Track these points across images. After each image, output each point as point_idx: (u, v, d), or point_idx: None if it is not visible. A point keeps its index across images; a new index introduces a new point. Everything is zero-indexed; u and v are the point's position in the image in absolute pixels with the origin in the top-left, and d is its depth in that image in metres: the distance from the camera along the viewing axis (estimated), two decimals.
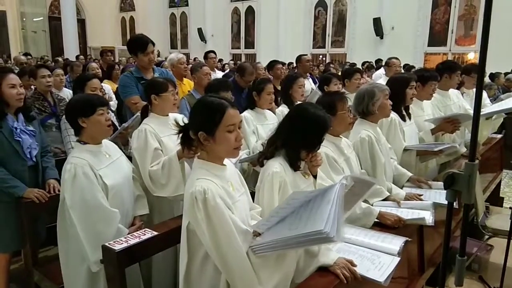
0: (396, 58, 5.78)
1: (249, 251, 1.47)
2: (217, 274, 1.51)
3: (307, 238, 1.32)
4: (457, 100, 3.76)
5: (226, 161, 1.66)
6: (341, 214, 1.31)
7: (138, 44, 3.21)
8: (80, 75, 4.15)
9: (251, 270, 1.45)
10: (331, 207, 1.30)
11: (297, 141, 1.79)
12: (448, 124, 3.10)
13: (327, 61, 13.54)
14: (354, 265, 1.65)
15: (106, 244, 1.79)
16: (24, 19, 17.04)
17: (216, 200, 1.44)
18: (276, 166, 1.77)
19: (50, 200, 2.46)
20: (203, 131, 1.52)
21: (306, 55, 5.50)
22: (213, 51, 6.35)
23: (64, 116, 3.05)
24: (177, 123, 1.68)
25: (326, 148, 2.18)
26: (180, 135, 1.65)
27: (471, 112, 3.41)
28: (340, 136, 2.31)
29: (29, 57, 9.78)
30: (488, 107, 3.78)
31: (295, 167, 1.81)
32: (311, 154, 1.83)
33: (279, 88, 4.01)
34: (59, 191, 2.51)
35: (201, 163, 1.58)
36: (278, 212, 1.46)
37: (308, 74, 5.54)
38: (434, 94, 3.48)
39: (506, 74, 7.74)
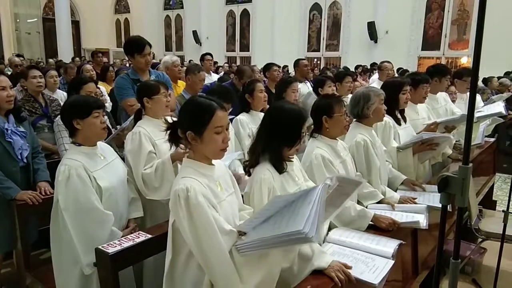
0: (389, 62, 5.80)
1: (233, 249, 1.48)
2: (201, 272, 1.52)
3: (287, 238, 1.33)
4: (445, 103, 3.80)
5: (216, 161, 1.66)
6: (322, 214, 1.31)
7: (135, 45, 3.20)
8: (76, 77, 4.12)
9: (232, 268, 1.46)
10: (311, 208, 1.31)
11: (278, 139, 1.78)
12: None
13: (321, 65, 13.60)
14: (349, 267, 1.65)
15: (99, 247, 1.77)
16: (18, 20, 16.94)
17: (198, 199, 1.45)
18: (265, 172, 1.77)
19: (42, 202, 2.44)
20: (191, 130, 1.54)
21: (304, 59, 5.50)
22: (209, 54, 6.36)
23: (57, 118, 3.05)
24: (166, 120, 1.70)
25: (322, 150, 2.19)
26: (168, 132, 1.66)
27: (459, 114, 3.47)
28: (337, 138, 2.32)
29: (21, 58, 9.72)
30: (479, 109, 3.80)
31: (280, 169, 1.80)
32: (293, 148, 1.82)
33: (273, 90, 4.01)
34: (50, 193, 2.51)
35: (189, 162, 1.60)
36: (262, 213, 1.48)
37: (305, 78, 5.55)
38: None
39: (499, 78, 7.81)
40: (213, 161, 1.65)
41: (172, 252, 1.56)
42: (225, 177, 1.71)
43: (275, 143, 1.79)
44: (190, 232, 1.45)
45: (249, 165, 1.86)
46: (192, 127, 1.54)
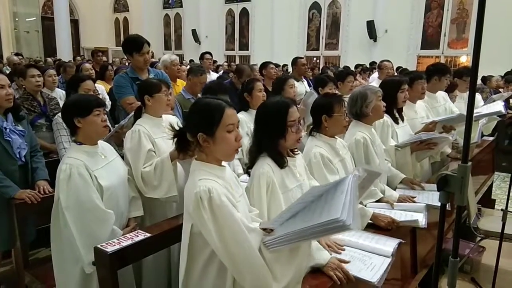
0: (388, 61, 5.80)
1: (262, 246, 1.44)
2: (219, 279, 1.48)
3: (323, 228, 1.29)
4: (444, 102, 3.80)
5: (223, 163, 1.64)
6: (356, 203, 1.30)
7: (133, 44, 3.19)
8: (74, 75, 4.11)
9: (264, 267, 1.41)
10: (345, 197, 1.29)
11: (270, 134, 1.78)
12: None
13: (321, 63, 13.59)
14: (346, 262, 1.66)
15: (98, 246, 1.76)
16: (17, 19, 16.90)
17: (221, 199, 1.41)
18: (264, 166, 1.77)
19: (41, 201, 2.44)
20: (202, 132, 1.50)
21: (302, 58, 5.50)
22: (209, 53, 6.35)
23: (55, 117, 3.05)
24: (172, 127, 1.66)
25: (321, 149, 2.19)
26: (175, 139, 1.63)
27: (457, 112, 3.46)
28: (335, 137, 2.32)
29: (20, 57, 9.70)
30: (478, 108, 3.81)
31: (281, 163, 1.80)
32: (289, 139, 1.80)
33: (270, 89, 4.01)
34: (49, 192, 2.51)
35: (201, 165, 1.55)
36: (291, 208, 1.46)
37: (302, 77, 5.55)
38: None
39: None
40: (222, 163, 1.62)
41: (188, 259, 1.50)
42: (233, 179, 1.69)
43: (269, 138, 1.79)
44: (217, 234, 1.39)
45: (248, 167, 1.86)
46: (203, 128, 1.50)
